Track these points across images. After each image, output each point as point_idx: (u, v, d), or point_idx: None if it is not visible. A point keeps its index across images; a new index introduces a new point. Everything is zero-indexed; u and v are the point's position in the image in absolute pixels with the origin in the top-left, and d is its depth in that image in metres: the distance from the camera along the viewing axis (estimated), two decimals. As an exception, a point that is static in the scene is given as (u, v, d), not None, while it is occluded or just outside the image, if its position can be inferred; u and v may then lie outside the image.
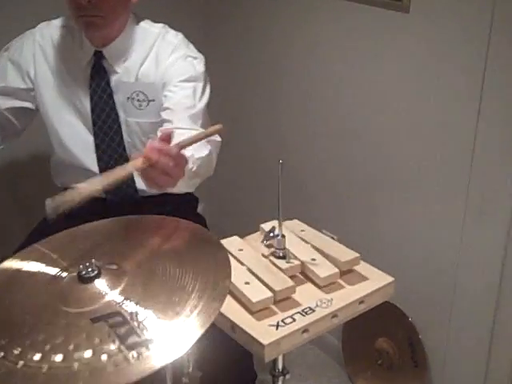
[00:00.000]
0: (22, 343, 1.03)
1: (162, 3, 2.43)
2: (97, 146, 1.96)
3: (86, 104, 1.93)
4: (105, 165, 1.96)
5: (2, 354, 1.02)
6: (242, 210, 2.70)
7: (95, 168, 1.97)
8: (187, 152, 1.47)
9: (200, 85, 1.85)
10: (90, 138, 1.96)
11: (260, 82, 2.60)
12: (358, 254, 1.39)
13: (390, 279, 1.37)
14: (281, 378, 1.43)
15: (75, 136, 1.97)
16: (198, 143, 1.47)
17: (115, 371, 0.95)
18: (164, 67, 1.87)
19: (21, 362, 1.00)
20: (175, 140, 1.32)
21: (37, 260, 1.19)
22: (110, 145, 1.95)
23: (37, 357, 1.00)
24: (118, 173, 1.25)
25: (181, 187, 1.55)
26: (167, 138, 1.31)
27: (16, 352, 1.01)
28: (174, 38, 1.92)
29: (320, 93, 2.33)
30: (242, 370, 2.05)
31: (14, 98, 1.96)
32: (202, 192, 2.11)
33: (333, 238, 1.47)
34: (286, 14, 2.39)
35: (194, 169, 1.60)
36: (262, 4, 2.49)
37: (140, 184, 1.94)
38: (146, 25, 1.94)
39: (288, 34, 2.40)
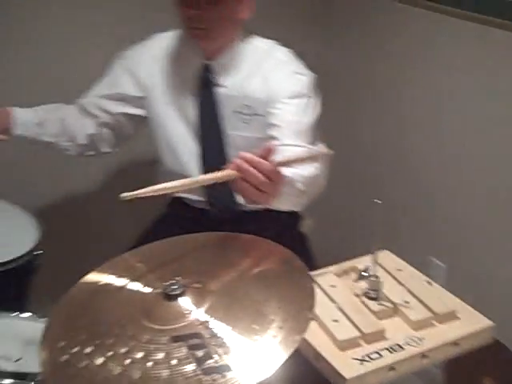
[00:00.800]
0: (105, 353, 1.05)
1: (279, 20, 2.43)
2: (201, 157, 1.99)
3: (194, 114, 1.96)
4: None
5: (86, 362, 1.04)
6: (344, 230, 2.66)
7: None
8: (295, 170, 1.46)
9: (307, 101, 1.84)
10: (196, 148, 1.98)
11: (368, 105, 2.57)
12: (454, 309, 1.32)
13: (489, 323, 1.29)
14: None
15: (182, 144, 2.00)
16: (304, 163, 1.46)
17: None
18: (271, 83, 1.87)
19: (101, 373, 1.01)
20: (279, 157, 1.31)
21: (126, 272, 1.21)
22: (214, 156, 1.97)
23: (117, 370, 1.01)
24: (204, 178, 1.26)
25: (287, 205, 1.55)
26: (266, 152, 1.31)
27: (99, 362, 1.03)
28: (283, 54, 1.92)
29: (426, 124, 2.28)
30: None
31: (127, 104, 2.03)
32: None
33: (429, 282, 1.40)
34: (406, 34, 2.35)
35: (302, 188, 1.57)
36: (379, 26, 2.46)
37: (241, 199, 1.94)
38: (255, 41, 1.95)
39: (407, 53, 2.36)
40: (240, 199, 1.82)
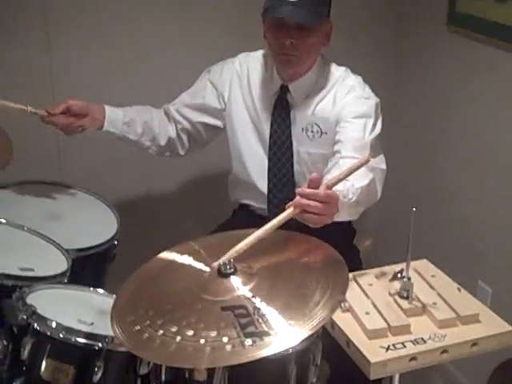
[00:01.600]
0: (164, 317, 1.25)
1: (353, 49, 2.61)
2: (269, 169, 2.17)
3: (267, 130, 2.14)
4: (273, 186, 2.16)
5: (148, 322, 1.25)
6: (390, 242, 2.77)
7: (264, 188, 2.17)
8: (347, 182, 1.63)
9: (370, 121, 1.98)
10: (265, 161, 2.17)
11: (434, 117, 2.71)
12: (478, 311, 1.46)
13: (509, 328, 1.42)
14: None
15: (253, 156, 2.19)
16: (358, 173, 1.62)
17: (231, 352, 1.15)
18: (340, 106, 2.04)
19: (160, 331, 1.22)
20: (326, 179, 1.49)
21: (189, 254, 1.42)
22: (281, 170, 2.15)
23: (174, 329, 1.22)
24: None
25: (342, 217, 1.71)
26: (315, 182, 1.48)
27: (159, 322, 1.24)
28: (352, 81, 2.08)
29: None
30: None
31: (208, 114, 2.23)
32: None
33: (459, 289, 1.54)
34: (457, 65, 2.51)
35: (354, 199, 1.72)
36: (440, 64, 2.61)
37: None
38: (329, 67, 2.12)
39: (458, 85, 2.51)
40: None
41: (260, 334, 1.17)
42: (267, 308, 1.23)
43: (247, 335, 1.17)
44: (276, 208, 2.15)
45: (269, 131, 2.14)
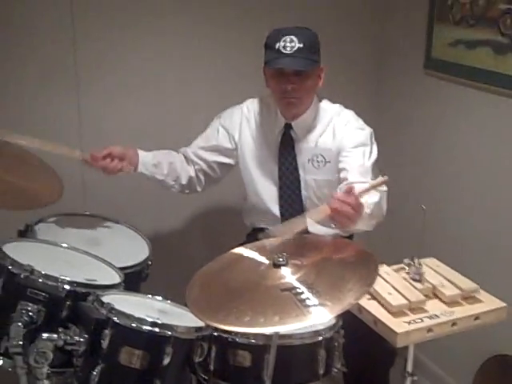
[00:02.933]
0: (235, 299, 1.56)
1: (341, 89, 2.97)
2: (280, 197, 2.49)
3: (275, 163, 2.47)
4: (285, 211, 2.48)
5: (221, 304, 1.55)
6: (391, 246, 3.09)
7: (277, 213, 2.49)
8: (362, 199, 1.96)
9: (367, 148, 2.33)
10: (276, 189, 2.49)
11: (412, 149, 3.08)
12: (477, 286, 1.79)
13: (503, 304, 1.76)
14: (409, 379, 1.84)
15: (265, 187, 2.50)
16: (371, 192, 1.97)
17: (295, 318, 1.46)
18: (339, 137, 2.37)
19: (234, 310, 1.51)
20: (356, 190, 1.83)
21: (252, 250, 1.76)
22: (291, 196, 2.47)
23: (244, 307, 1.51)
24: (313, 215, 1.77)
25: (360, 225, 2.03)
26: (350, 190, 1.82)
27: (231, 304, 1.54)
28: (347, 115, 2.43)
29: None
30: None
31: (221, 154, 2.55)
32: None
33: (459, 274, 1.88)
34: (433, 104, 2.89)
35: (369, 212, 2.04)
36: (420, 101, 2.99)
37: (311, 227, 2.44)
38: (325, 105, 2.47)
39: (435, 122, 2.89)
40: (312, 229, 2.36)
41: (314, 306, 1.48)
42: (316, 290, 1.54)
43: (305, 307, 1.48)
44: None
45: (277, 164, 2.46)
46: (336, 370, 1.94)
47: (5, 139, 2.18)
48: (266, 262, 1.66)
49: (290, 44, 2.23)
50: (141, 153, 2.45)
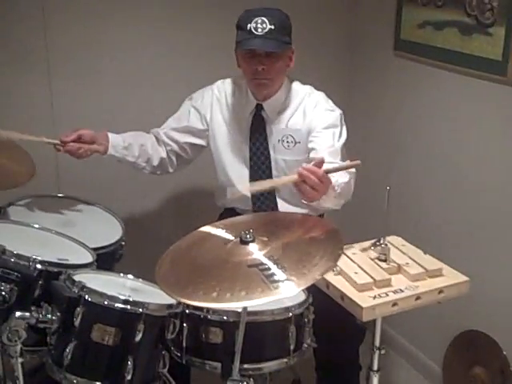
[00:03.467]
0: (203, 275, 1.60)
1: (312, 71, 2.99)
2: (251, 176, 2.51)
3: (246, 143, 2.50)
4: (255, 192, 2.52)
5: (189, 279, 1.58)
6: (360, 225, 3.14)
7: (248, 194, 2.52)
8: (333, 178, 2.00)
9: (337, 130, 2.37)
10: (246, 170, 2.52)
11: (385, 130, 3.13)
12: (441, 266, 1.84)
13: (465, 278, 1.81)
14: (377, 352, 1.89)
15: (235, 167, 2.53)
16: (340, 173, 2.03)
17: (261, 292, 1.49)
18: (309, 119, 2.41)
19: (202, 285, 1.55)
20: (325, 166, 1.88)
21: (219, 228, 1.79)
22: (261, 176, 2.50)
23: (213, 282, 1.55)
24: (277, 181, 1.81)
25: (328, 203, 2.07)
26: (320, 163, 1.86)
27: (199, 280, 1.57)
28: (317, 96, 2.46)
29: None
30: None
31: (192, 135, 2.57)
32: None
33: (425, 253, 1.93)
34: (403, 84, 2.94)
35: (338, 191, 2.09)
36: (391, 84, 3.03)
37: (282, 207, 2.48)
38: (296, 86, 2.50)
39: (406, 100, 2.94)
40: (283, 209, 2.42)
41: (280, 281, 1.52)
42: (282, 265, 1.58)
43: (271, 282, 1.52)
44: (260, 208, 2.50)
45: (248, 144, 2.49)
46: (306, 346, 1.99)
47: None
48: (234, 239, 1.69)
49: (262, 25, 2.25)
50: (111, 135, 2.45)
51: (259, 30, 2.25)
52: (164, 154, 2.57)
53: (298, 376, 2.68)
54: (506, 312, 2.50)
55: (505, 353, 2.54)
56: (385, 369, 2.14)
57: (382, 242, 1.87)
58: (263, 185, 1.98)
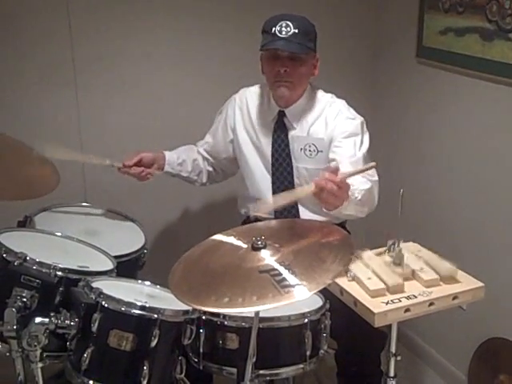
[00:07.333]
0: (215, 282, 1.61)
1: (336, 79, 3.00)
2: (273, 184, 2.53)
3: (268, 151, 2.51)
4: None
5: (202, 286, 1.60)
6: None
7: (267, 215, 2.50)
8: (352, 186, 2.00)
9: (358, 138, 2.37)
10: (269, 177, 2.54)
11: (408, 137, 3.13)
12: (455, 269, 1.83)
13: (481, 284, 1.80)
14: (393, 359, 1.89)
15: (259, 174, 2.55)
16: (361, 180, 2.05)
17: (273, 297, 1.51)
18: (331, 128, 2.41)
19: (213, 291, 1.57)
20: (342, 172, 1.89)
21: (231, 236, 1.81)
22: (283, 183, 2.51)
23: (224, 288, 1.57)
24: (296, 193, 1.82)
25: (350, 211, 2.08)
26: (335, 170, 1.87)
27: (212, 286, 1.59)
28: (339, 105, 2.47)
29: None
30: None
31: (226, 150, 2.63)
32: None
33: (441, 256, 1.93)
34: (425, 91, 2.93)
35: (359, 197, 2.09)
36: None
37: (303, 215, 2.49)
38: (318, 94, 2.51)
39: (429, 107, 2.92)
40: (305, 216, 2.45)
41: (291, 286, 1.53)
42: (293, 270, 1.60)
43: (282, 287, 1.53)
44: (281, 215, 2.52)
45: (270, 151, 2.51)
46: (323, 352, 2.00)
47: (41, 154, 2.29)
48: (245, 246, 1.71)
49: (286, 29, 2.29)
50: (167, 154, 2.58)
51: (283, 32, 2.29)
52: (210, 168, 2.68)
53: (322, 382, 2.68)
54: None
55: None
56: (411, 376, 2.17)
57: (396, 245, 1.87)
58: (281, 201, 2.00)
